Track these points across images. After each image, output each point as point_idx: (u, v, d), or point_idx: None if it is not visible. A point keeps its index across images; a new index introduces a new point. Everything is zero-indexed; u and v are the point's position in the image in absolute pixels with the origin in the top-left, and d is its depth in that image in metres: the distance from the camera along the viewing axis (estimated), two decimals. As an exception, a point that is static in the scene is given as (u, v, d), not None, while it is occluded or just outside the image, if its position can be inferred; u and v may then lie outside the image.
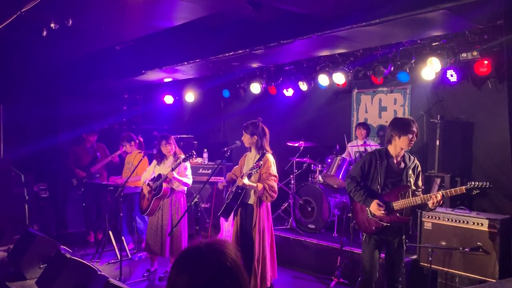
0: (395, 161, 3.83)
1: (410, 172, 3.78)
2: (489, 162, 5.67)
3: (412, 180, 3.78)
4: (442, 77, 5.76)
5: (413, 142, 3.80)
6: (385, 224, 3.75)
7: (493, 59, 5.20)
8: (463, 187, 3.55)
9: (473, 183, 3.52)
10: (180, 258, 1.40)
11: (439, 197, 3.53)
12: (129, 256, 6.18)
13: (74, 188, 7.31)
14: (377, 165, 3.84)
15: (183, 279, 1.33)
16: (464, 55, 5.31)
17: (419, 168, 3.89)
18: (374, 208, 3.72)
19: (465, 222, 4.44)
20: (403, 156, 3.86)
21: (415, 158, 3.92)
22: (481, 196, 5.72)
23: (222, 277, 1.33)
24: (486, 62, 5.23)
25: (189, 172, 5.42)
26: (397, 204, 3.70)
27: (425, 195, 3.63)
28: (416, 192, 3.76)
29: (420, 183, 3.87)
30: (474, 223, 4.37)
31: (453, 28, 4.79)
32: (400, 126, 3.80)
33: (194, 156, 5.27)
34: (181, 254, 1.41)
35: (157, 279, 5.45)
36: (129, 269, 5.56)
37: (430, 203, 3.58)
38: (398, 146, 3.80)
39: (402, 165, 3.83)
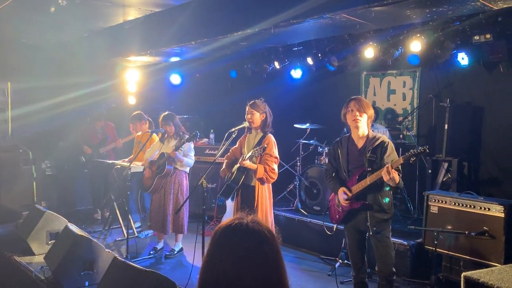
0: (358, 145, 3.61)
1: (369, 154, 3.48)
2: (498, 147, 5.62)
3: (376, 161, 3.47)
4: (452, 60, 5.65)
5: (358, 119, 3.50)
6: (343, 211, 3.67)
7: (507, 42, 5.07)
8: (401, 157, 3.30)
9: (411, 151, 3.26)
10: (223, 233, 1.46)
11: (384, 170, 3.26)
12: (136, 234, 6.25)
13: (82, 166, 7.38)
14: (339, 153, 3.72)
15: (226, 252, 1.41)
16: (476, 37, 5.14)
17: (386, 144, 3.50)
18: (339, 195, 3.63)
19: (472, 206, 4.42)
20: (367, 137, 3.59)
21: (382, 136, 3.57)
22: (489, 182, 5.71)
23: (263, 246, 1.44)
24: (499, 45, 5.12)
25: (192, 152, 5.48)
26: (354, 189, 3.54)
27: (374, 173, 3.38)
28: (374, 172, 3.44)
29: (390, 159, 3.45)
30: (480, 208, 4.35)
31: (465, 9, 4.68)
32: (344, 105, 3.60)
33: (198, 136, 5.29)
34: (223, 229, 1.47)
35: (163, 257, 5.52)
36: (136, 247, 5.62)
37: (384, 178, 3.27)
38: (351, 126, 3.60)
39: (363, 147, 3.56)
